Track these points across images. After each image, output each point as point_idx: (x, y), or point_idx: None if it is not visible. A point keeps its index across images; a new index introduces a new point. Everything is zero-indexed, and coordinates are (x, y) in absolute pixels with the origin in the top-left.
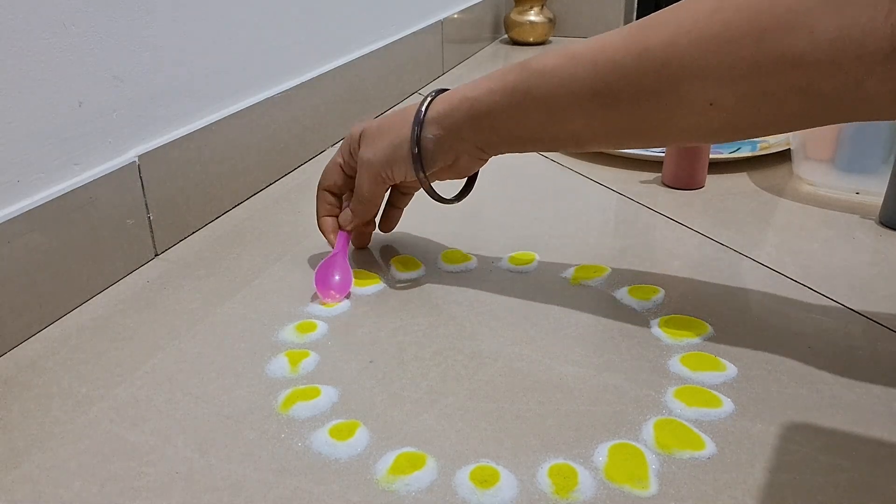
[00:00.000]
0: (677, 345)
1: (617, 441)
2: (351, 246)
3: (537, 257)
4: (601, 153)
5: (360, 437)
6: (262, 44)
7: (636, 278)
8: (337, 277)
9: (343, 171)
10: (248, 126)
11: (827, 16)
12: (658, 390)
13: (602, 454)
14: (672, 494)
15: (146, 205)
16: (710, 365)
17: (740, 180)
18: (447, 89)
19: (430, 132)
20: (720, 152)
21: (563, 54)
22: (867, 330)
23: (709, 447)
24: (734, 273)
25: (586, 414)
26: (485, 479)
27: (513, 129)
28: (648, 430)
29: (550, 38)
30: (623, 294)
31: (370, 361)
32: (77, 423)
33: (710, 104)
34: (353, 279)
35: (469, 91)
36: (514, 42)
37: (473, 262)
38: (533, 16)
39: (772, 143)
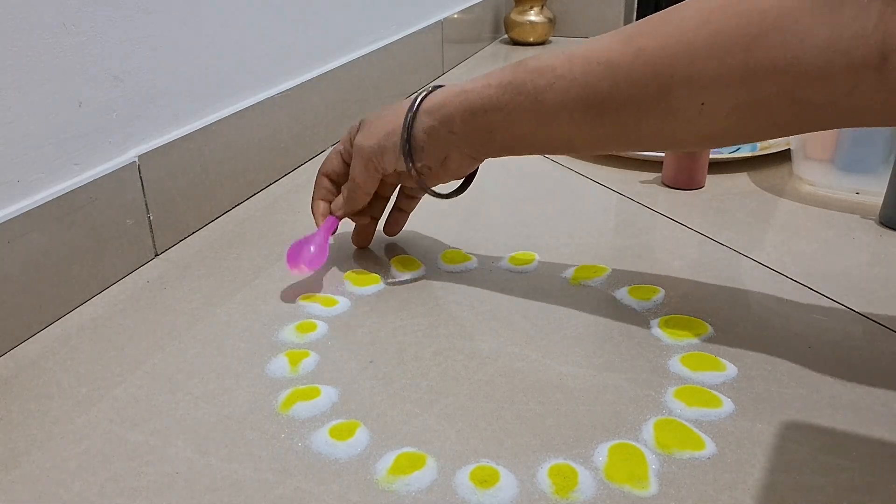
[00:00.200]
0: (677, 345)
1: (617, 441)
2: (353, 246)
3: (537, 257)
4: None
5: (360, 437)
6: (262, 44)
7: (636, 278)
8: (312, 249)
9: (342, 158)
10: (248, 126)
11: (816, 24)
12: (658, 390)
13: (602, 454)
14: (672, 494)
15: (146, 205)
16: (710, 365)
17: (740, 180)
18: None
19: (423, 122)
20: (720, 152)
21: (560, 54)
22: (867, 330)
23: (709, 447)
24: (734, 273)
25: (586, 414)
26: (485, 479)
27: (505, 128)
28: (648, 430)
29: (550, 38)
30: (623, 294)
31: (370, 361)
32: (77, 423)
33: (701, 111)
34: (351, 277)
35: (466, 85)
36: (514, 42)
37: (473, 262)
38: (533, 16)
39: (772, 143)
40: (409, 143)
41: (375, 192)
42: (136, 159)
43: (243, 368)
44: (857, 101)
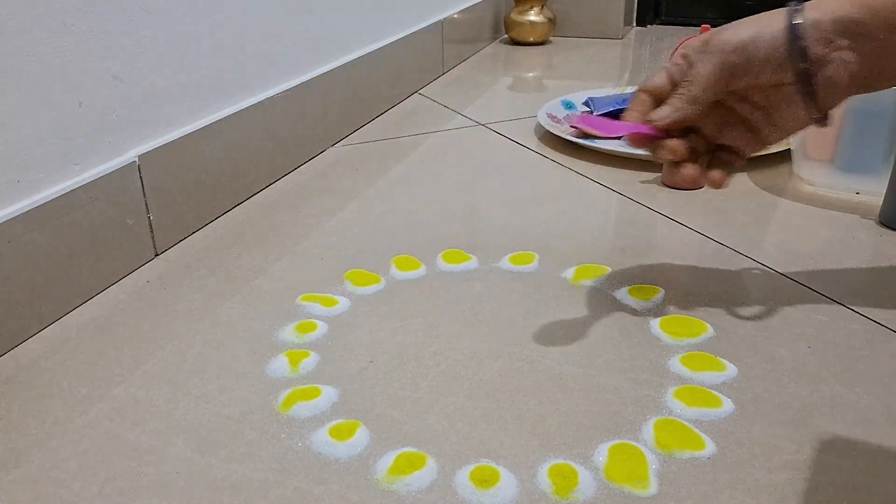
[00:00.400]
0: (677, 345)
1: (617, 441)
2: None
3: (537, 257)
4: (601, 153)
5: (360, 437)
6: (263, 44)
7: (636, 278)
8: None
9: (669, 75)
10: (248, 126)
11: None
12: (658, 390)
13: (602, 454)
14: (672, 494)
15: (146, 205)
16: (710, 365)
17: (740, 180)
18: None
19: (811, 16)
20: None
21: None
22: (867, 330)
23: (709, 447)
24: (734, 273)
25: (586, 414)
26: (485, 479)
27: None
28: (648, 430)
29: (550, 38)
30: (623, 294)
31: (370, 361)
32: (77, 423)
33: None
34: (351, 277)
35: None
36: (514, 42)
37: (473, 262)
38: (533, 16)
39: None
40: (796, 40)
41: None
42: (136, 159)
43: (243, 368)
44: None
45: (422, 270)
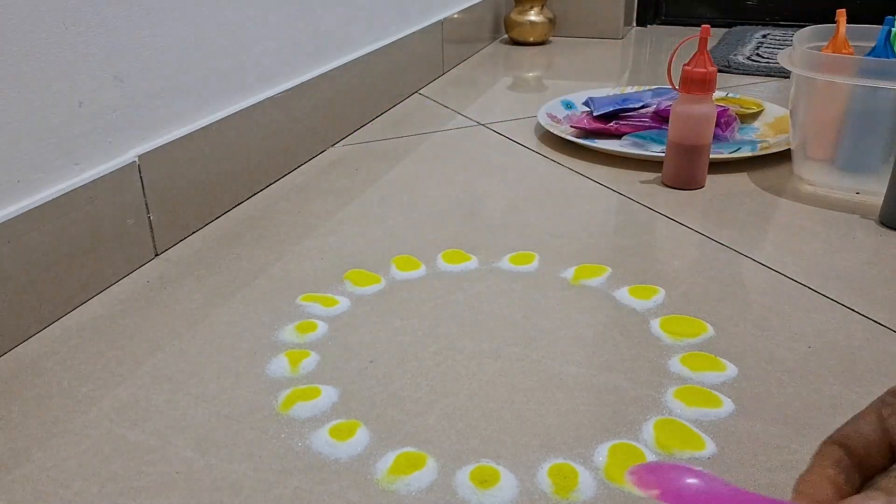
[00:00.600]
0: (677, 345)
1: (617, 441)
2: None
3: (537, 257)
4: (601, 153)
5: (360, 437)
6: (262, 44)
7: (636, 278)
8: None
9: (882, 421)
10: (248, 126)
11: None
12: (658, 390)
13: (602, 454)
14: None
15: (146, 205)
16: (710, 365)
17: (740, 180)
18: None
19: None
20: (720, 152)
21: None
22: (867, 330)
23: (709, 447)
24: (734, 273)
25: (586, 414)
26: (485, 479)
27: None
28: (648, 430)
29: (550, 38)
30: (623, 294)
31: (370, 361)
32: (77, 423)
33: None
34: (351, 277)
35: None
36: (514, 42)
37: (473, 262)
38: (533, 16)
39: (772, 143)
40: None
41: None
42: (136, 159)
43: (243, 368)
44: None
45: (422, 270)
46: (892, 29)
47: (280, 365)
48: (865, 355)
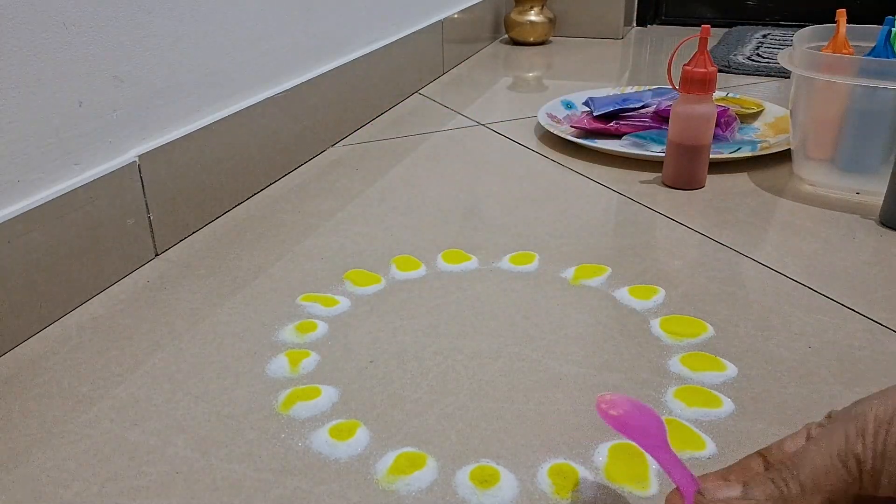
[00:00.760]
0: (677, 345)
1: (617, 441)
2: None
3: (537, 257)
4: (601, 153)
5: (360, 437)
6: (262, 44)
7: (636, 278)
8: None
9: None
10: (248, 126)
11: None
12: (658, 390)
13: (602, 454)
14: None
15: (146, 205)
16: (710, 365)
17: (740, 180)
18: None
19: None
20: (720, 152)
21: None
22: (867, 330)
23: (709, 447)
24: (734, 273)
25: (586, 414)
26: (485, 479)
27: None
28: None
29: (550, 38)
30: (623, 294)
31: (370, 361)
32: (77, 423)
33: None
34: (351, 277)
35: None
36: (514, 42)
37: (473, 262)
38: (533, 16)
39: (772, 143)
40: None
41: None
42: (136, 159)
43: (243, 368)
44: None
45: (422, 270)
46: (892, 29)
47: (280, 365)
48: (865, 355)
